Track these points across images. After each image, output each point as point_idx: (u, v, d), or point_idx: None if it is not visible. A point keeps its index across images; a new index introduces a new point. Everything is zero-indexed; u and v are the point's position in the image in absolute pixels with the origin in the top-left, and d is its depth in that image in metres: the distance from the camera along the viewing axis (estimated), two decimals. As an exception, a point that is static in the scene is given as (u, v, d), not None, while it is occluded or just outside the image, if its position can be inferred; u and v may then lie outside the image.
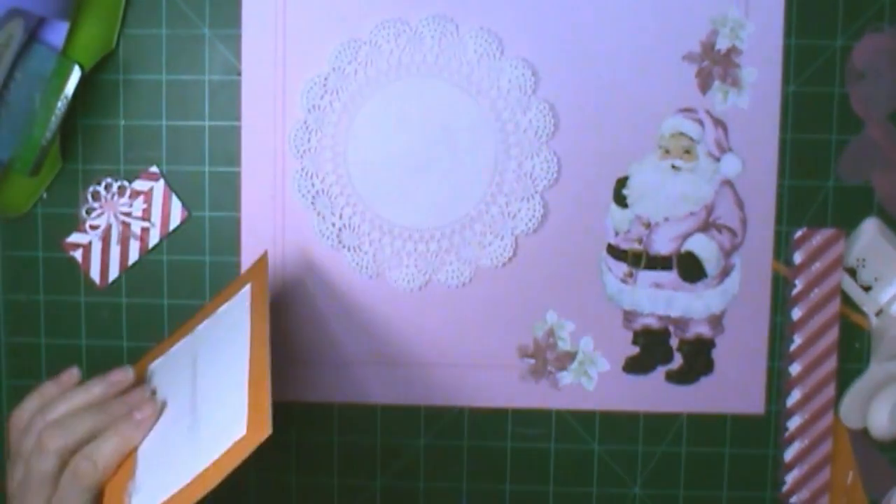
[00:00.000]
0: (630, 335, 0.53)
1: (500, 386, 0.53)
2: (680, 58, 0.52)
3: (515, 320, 0.53)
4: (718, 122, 0.51)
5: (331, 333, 0.53)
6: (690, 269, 0.52)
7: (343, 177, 0.52)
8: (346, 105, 0.52)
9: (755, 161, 0.51)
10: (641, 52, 0.51)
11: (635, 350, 0.52)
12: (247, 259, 0.53)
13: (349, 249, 0.52)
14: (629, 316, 0.52)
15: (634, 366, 0.53)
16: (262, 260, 0.47)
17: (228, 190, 0.53)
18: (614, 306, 0.52)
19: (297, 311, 0.53)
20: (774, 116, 0.52)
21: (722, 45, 0.51)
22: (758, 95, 0.52)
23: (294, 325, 0.53)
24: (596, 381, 0.53)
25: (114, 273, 0.53)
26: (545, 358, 0.53)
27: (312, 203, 0.52)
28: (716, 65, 0.51)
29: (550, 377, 0.53)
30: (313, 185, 0.52)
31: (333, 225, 0.52)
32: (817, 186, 0.52)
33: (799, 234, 0.52)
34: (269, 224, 0.53)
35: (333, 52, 0.52)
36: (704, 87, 0.52)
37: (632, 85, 0.51)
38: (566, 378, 0.53)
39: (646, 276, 0.52)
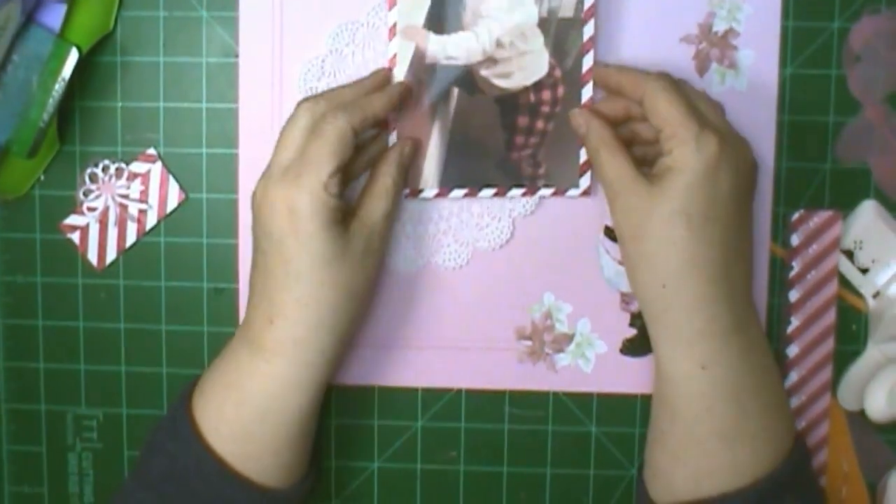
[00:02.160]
0: (627, 317, 0.52)
1: (498, 368, 0.53)
2: (677, 40, 0.52)
3: (513, 302, 0.53)
4: (716, 104, 0.51)
5: None
6: (688, 251, 0.52)
7: None
8: (344, 87, 0.52)
9: (753, 143, 0.51)
10: (639, 33, 0.51)
11: (633, 332, 0.52)
12: (244, 242, 0.53)
13: None
14: (626, 298, 0.52)
15: (632, 348, 0.53)
16: None
17: (226, 172, 0.53)
18: (612, 288, 0.52)
19: None
20: (772, 98, 0.52)
21: (719, 27, 0.51)
22: (755, 77, 0.51)
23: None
24: (593, 363, 0.53)
25: (111, 255, 0.53)
26: (542, 340, 0.53)
27: None
28: (713, 47, 0.51)
29: (548, 359, 0.53)
30: None
31: None
32: (815, 168, 0.52)
33: (796, 216, 0.52)
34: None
35: (331, 34, 0.52)
36: (702, 69, 0.52)
37: (628, 64, 0.51)
38: (563, 360, 0.53)
39: (643, 259, 0.52)
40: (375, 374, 0.53)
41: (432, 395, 0.54)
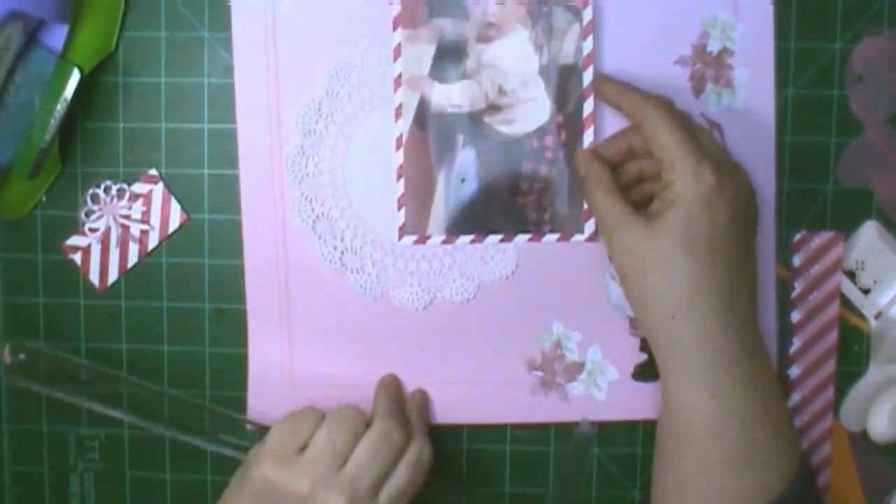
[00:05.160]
0: (637, 342, 0.52)
1: (510, 400, 0.53)
2: (672, 62, 0.51)
3: (522, 333, 0.52)
4: (714, 125, 0.51)
5: (338, 356, 0.53)
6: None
7: (342, 199, 0.52)
8: (342, 128, 0.52)
9: (753, 161, 0.51)
10: (633, 58, 0.51)
11: (643, 357, 0.52)
12: (247, 263, 0.52)
13: (352, 272, 0.52)
14: (634, 323, 0.52)
15: (643, 373, 0.52)
16: None
17: (228, 192, 0.53)
18: (619, 314, 0.52)
19: (303, 335, 0.53)
20: (769, 116, 0.52)
21: (713, 47, 0.51)
22: (751, 96, 0.51)
23: (300, 349, 0.53)
24: (606, 390, 0.53)
25: (113, 276, 0.53)
26: (553, 370, 0.53)
27: (313, 227, 0.52)
28: (708, 67, 0.51)
29: (560, 389, 0.53)
30: (313, 209, 0.52)
31: (335, 248, 0.52)
32: (816, 189, 0.52)
33: (798, 236, 0.52)
34: (272, 249, 0.52)
35: (326, 77, 0.52)
36: (698, 89, 0.52)
37: None
38: (576, 389, 0.53)
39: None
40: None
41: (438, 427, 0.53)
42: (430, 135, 0.51)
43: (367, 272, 0.52)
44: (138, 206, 0.53)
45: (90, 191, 0.53)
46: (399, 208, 0.51)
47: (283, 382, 0.53)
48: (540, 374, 0.53)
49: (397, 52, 0.50)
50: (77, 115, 0.53)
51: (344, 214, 0.52)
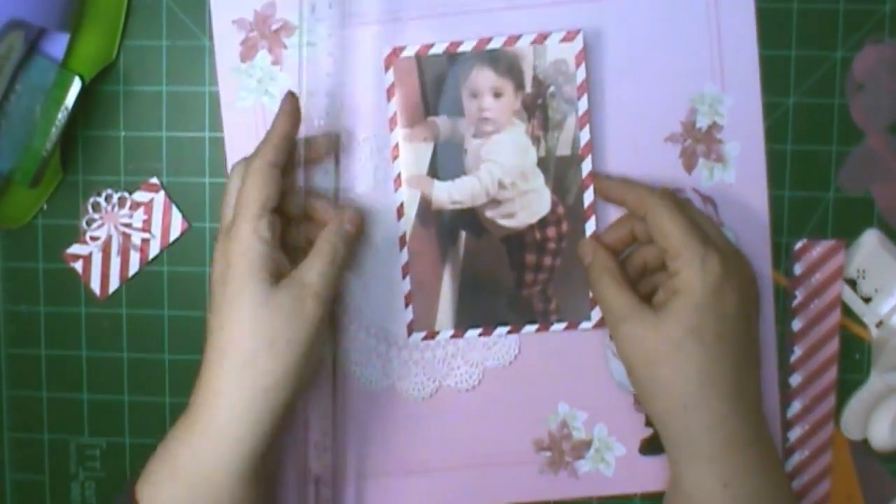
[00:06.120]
0: (642, 417, 0.52)
1: (520, 481, 0.53)
2: (662, 140, 0.51)
3: (528, 415, 0.53)
4: (707, 199, 0.51)
5: (346, 450, 0.53)
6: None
7: (345, 294, 0.52)
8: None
9: (747, 232, 0.51)
10: (623, 138, 0.51)
11: (649, 431, 0.52)
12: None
13: (357, 364, 0.53)
14: (639, 399, 0.52)
15: (650, 447, 0.53)
16: None
17: (228, 201, 0.53)
18: (623, 391, 0.52)
19: (312, 430, 0.52)
20: (762, 187, 0.52)
21: (702, 122, 0.51)
22: (743, 168, 0.51)
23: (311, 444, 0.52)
24: (614, 466, 0.53)
25: (114, 284, 0.53)
26: (561, 449, 0.53)
27: None
28: (698, 143, 0.51)
29: (569, 467, 0.53)
30: None
31: (339, 342, 0.52)
32: (817, 198, 0.52)
33: (799, 245, 0.52)
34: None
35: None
36: (689, 166, 0.52)
37: (617, 173, 0.51)
38: (584, 466, 0.53)
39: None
40: (400, 503, 0.53)
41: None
42: (432, 231, 0.51)
43: (373, 364, 0.52)
44: (139, 215, 0.53)
45: (91, 199, 0.53)
46: (406, 305, 0.51)
47: (293, 480, 0.53)
48: (548, 453, 0.53)
49: (395, 151, 0.51)
50: (78, 124, 0.53)
51: (347, 309, 0.52)
